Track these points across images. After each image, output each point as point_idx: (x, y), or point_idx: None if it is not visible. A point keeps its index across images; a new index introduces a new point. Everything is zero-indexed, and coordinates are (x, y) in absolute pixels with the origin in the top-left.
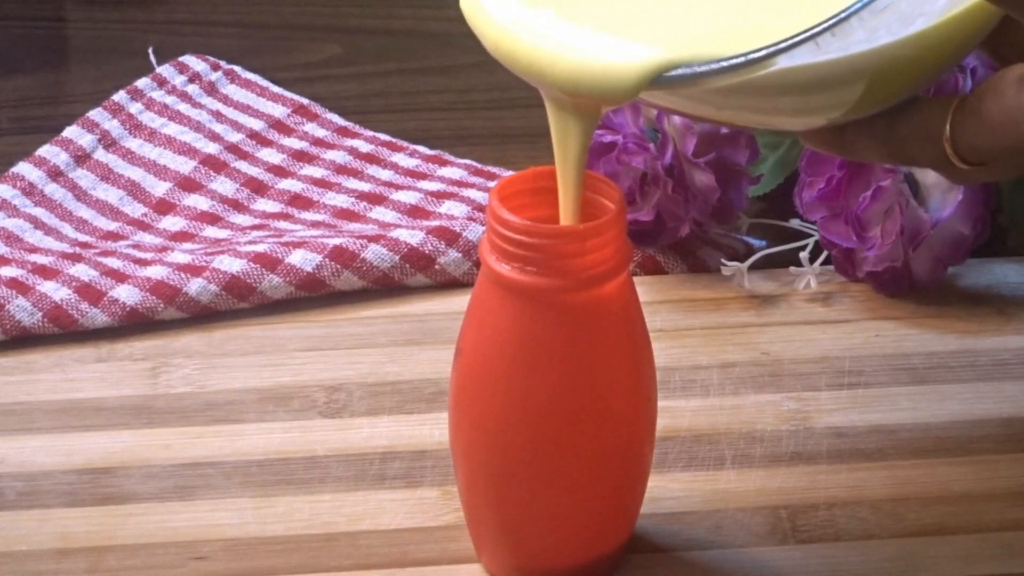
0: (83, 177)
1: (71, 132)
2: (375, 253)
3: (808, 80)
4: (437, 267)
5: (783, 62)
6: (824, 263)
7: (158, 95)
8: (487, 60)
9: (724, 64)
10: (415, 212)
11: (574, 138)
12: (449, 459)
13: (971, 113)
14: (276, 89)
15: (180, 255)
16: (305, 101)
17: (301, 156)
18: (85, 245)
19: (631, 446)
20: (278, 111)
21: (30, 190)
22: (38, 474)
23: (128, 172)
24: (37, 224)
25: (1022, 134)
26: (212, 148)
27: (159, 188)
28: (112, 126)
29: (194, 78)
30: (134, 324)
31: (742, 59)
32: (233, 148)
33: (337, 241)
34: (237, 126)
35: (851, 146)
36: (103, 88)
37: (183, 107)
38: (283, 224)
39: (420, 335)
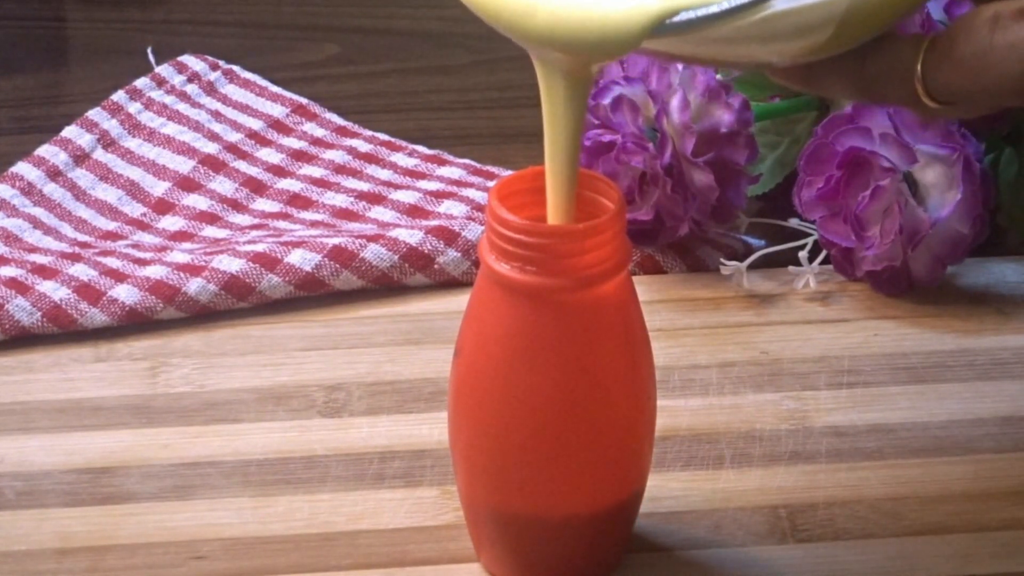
0: (82, 177)
1: (70, 132)
2: (374, 253)
3: (783, 23)
4: (436, 267)
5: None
6: (823, 262)
7: (157, 95)
8: (486, 60)
9: (725, 8)
10: (414, 212)
11: (565, 106)
12: (448, 458)
13: (943, 53)
14: (275, 89)
15: (179, 255)
16: (304, 101)
17: (300, 156)
18: (84, 245)
19: (630, 445)
20: (277, 111)
21: (29, 190)
22: (37, 474)
23: (127, 172)
24: (36, 224)
25: (993, 75)
26: (211, 148)
27: (158, 188)
28: (111, 126)
29: (193, 78)
30: (133, 324)
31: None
32: (232, 148)
33: (336, 241)
34: (236, 126)
35: (820, 82)
36: (102, 88)
37: (182, 107)
38: (282, 224)
39: (419, 335)
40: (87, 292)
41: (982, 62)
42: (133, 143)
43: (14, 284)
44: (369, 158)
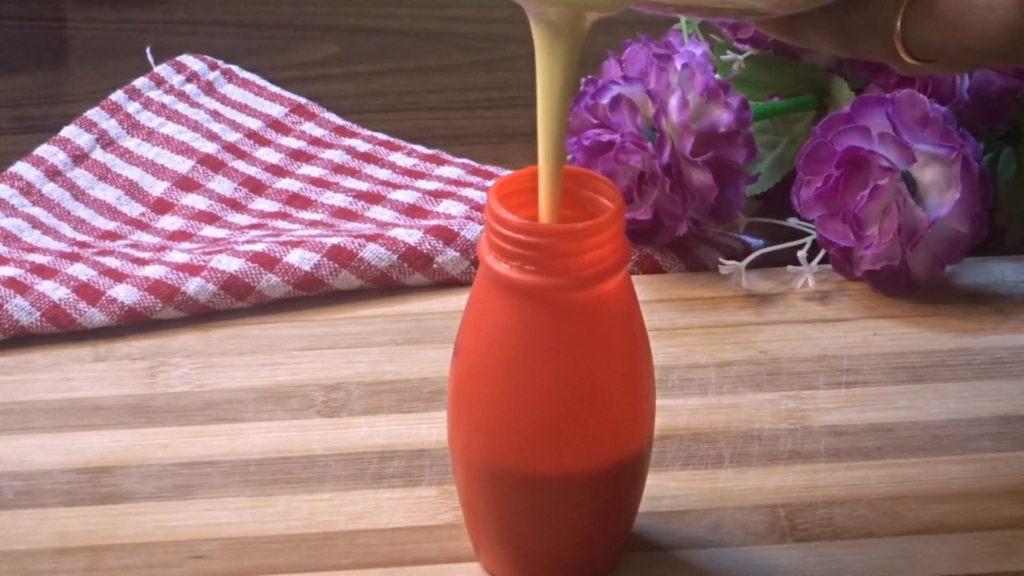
0: (81, 176)
1: (69, 132)
2: (373, 252)
3: None
4: (435, 266)
5: None
6: (822, 262)
7: (156, 94)
8: (485, 60)
9: None
10: (413, 211)
11: (559, 66)
12: (447, 458)
13: (923, 10)
14: (274, 88)
15: (178, 254)
16: (303, 100)
17: (299, 155)
18: (83, 244)
19: (629, 445)
20: (276, 110)
21: (28, 189)
22: (36, 473)
23: (126, 171)
24: (35, 223)
25: (971, 34)
26: (210, 147)
27: (157, 187)
28: (110, 125)
29: (192, 77)
30: (132, 323)
31: None
32: (231, 147)
33: (335, 240)
34: (235, 125)
35: (802, 34)
36: (101, 88)
37: (181, 106)
38: (281, 223)
39: (418, 334)
40: (86, 292)
41: (961, 20)
42: (132, 143)
43: (13, 284)
44: (368, 158)
